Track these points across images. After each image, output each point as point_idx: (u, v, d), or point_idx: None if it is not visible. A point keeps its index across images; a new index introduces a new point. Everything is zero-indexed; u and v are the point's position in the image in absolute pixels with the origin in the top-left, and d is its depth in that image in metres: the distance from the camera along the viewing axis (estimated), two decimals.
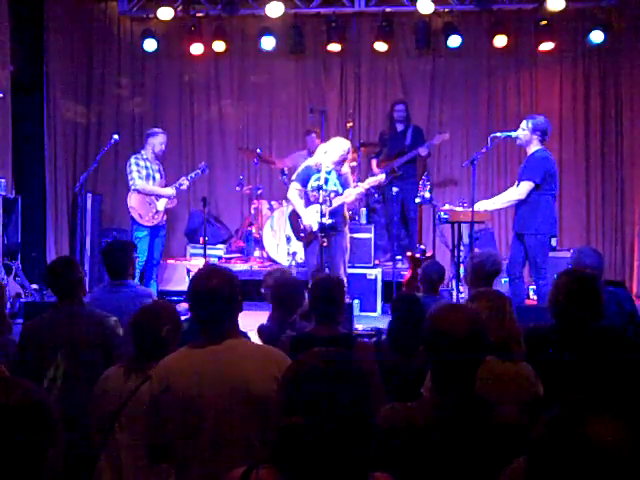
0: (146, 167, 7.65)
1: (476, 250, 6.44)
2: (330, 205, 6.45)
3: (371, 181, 6.80)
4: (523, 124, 6.26)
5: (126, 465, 2.99)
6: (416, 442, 2.19)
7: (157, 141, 7.71)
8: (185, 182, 7.79)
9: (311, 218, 6.55)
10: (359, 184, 6.89)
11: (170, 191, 7.70)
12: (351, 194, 6.65)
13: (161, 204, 7.67)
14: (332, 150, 6.54)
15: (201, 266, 3.07)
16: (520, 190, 6.18)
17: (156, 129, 7.98)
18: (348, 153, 6.61)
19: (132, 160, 7.66)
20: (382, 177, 7.00)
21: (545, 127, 6.25)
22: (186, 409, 2.56)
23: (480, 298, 3.21)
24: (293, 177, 6.91)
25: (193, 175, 7.88)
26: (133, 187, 7.60)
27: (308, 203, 6.67)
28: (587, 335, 3.26)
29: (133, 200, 7.60)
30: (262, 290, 4.88)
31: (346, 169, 6.70)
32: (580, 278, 3.39)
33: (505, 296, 3.30)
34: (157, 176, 7.72)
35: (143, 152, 7.73)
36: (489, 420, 2.24)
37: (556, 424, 1.45)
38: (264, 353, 2.70)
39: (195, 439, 2.55)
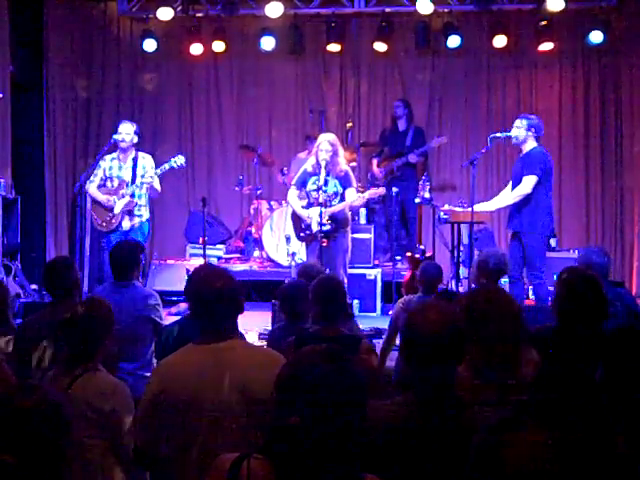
0: (110, 167, 6.91)
1: (477, 251, 6.46)
2: (330, 206, 6.47)
3: (372, 192, 6.85)
4: (517, 122, 6.26)
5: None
6: (388, 440, 2.19)
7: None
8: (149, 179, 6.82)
9: (312, 214, 6.59)
10: (359, 195, 6.88)
11: (102, 197, 6.81)
12: (352, 202, 6.67)
13: (118, 206, 6.78)
14: (322, 142, 6.57)
15: (197, 266, 3.03)
16: (526, 185, 6.13)
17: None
18: (335, 144, 6.59)
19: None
20: (382, 190, 6.96)
21: (539, 125, 6.26)
22: (184, 408, 2.56)
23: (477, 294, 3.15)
24: (292, 182, 6.96)
25: (167, 167, 6.83)
26: None
27: (309, 205, 6.69)
28: (594, 337, 3.20)
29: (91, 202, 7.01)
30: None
31: (344, 167, 6.70)
32: (581, 277, 3.37)
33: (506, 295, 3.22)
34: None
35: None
36: (461, 420, 2.23)
37: (480, 448, 1.69)
38: (263, 354, 2.72)
39: (192, 439, 2.55)
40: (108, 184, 6.87)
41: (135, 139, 6.89)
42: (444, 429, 2.19)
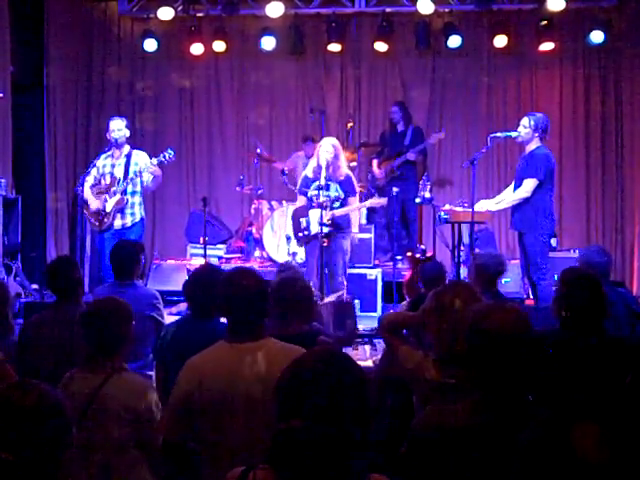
0: (103, 165, 6.90)
1: (477, 250, 6.45)
2: (331, 209, 6.49)
3: (373, 202, 6.91)
4: (524, 121, 6.22)
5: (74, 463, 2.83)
6: (456, 444, 2.13)
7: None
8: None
9: (313, 215, 6.61)
10: (363, 204, 6.96)
11: (92, 201, 6.74)
12: (353, 208, 6.74)
13: (109, 204, 6.72)
14: (323, 144, 6.60)
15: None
16: (525, 188, 6.13)
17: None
18: (337, 147, 6.62)
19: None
20: (384, 201, 6.97)
21: (546, 125, 6.23)
22: (218, 405, 2.59)
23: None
24: (296, 189, 7.02)
25: (155, 162, 6.74)
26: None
27: (309, 207, 6.72)
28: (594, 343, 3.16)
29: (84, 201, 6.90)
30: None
31: (345, 171, 6.72)
32: (582, 277, 3.36)
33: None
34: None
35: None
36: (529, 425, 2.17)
37: (545, 429, 1.58)
38: (297, 353, 2.71)
39: (223, 436, 2.58)
40: (102, 182, 6.82)
41: (127, 133, 6.91)
42: (509, 434, 2.10)
